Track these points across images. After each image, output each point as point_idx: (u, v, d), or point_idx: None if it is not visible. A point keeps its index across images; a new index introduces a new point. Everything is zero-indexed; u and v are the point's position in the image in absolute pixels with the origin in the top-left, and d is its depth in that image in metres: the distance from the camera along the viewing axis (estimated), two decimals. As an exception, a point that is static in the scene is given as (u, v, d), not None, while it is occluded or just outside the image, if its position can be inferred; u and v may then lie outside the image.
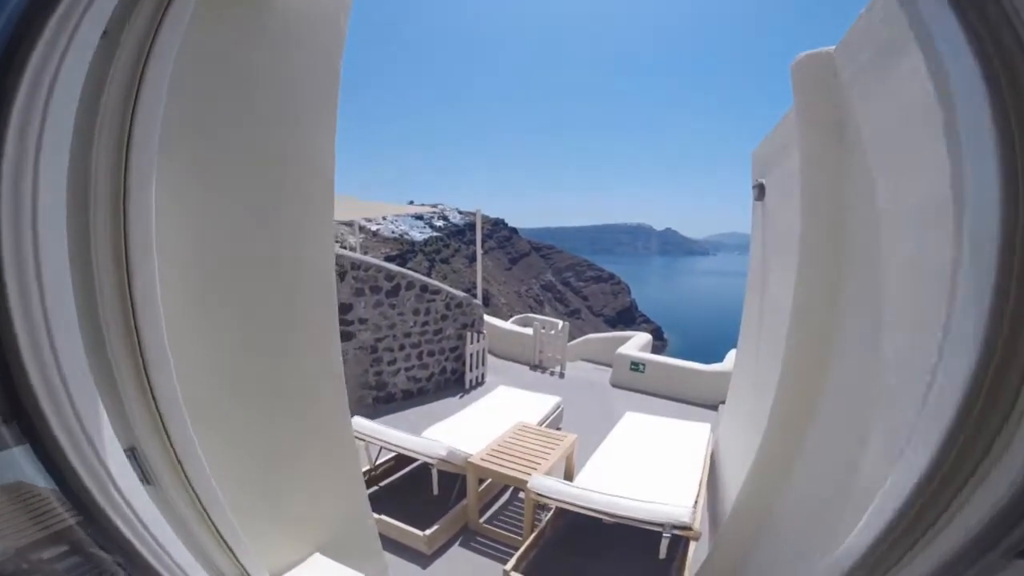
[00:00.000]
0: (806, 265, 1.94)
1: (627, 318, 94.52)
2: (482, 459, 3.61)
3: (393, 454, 4.10)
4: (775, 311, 2.90)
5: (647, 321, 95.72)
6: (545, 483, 2.96)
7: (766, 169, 3.47)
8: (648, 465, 4.04)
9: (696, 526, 2.63)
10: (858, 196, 1.68)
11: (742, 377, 3.93)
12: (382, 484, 4.19)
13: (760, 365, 3.23)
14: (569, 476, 4.12)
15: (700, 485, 3.70)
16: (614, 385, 7.47)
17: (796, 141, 2.10)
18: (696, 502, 3.41)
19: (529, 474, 3.43)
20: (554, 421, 5.55)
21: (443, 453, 3.40)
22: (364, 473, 4.06)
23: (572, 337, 8.23)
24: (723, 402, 6.69)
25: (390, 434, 3.68)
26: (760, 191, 3.52)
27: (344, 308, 5.58)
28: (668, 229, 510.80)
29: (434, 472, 3.41)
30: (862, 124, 1.63)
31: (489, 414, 5.21)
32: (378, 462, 4.16)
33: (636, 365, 7.30)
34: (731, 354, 7.27)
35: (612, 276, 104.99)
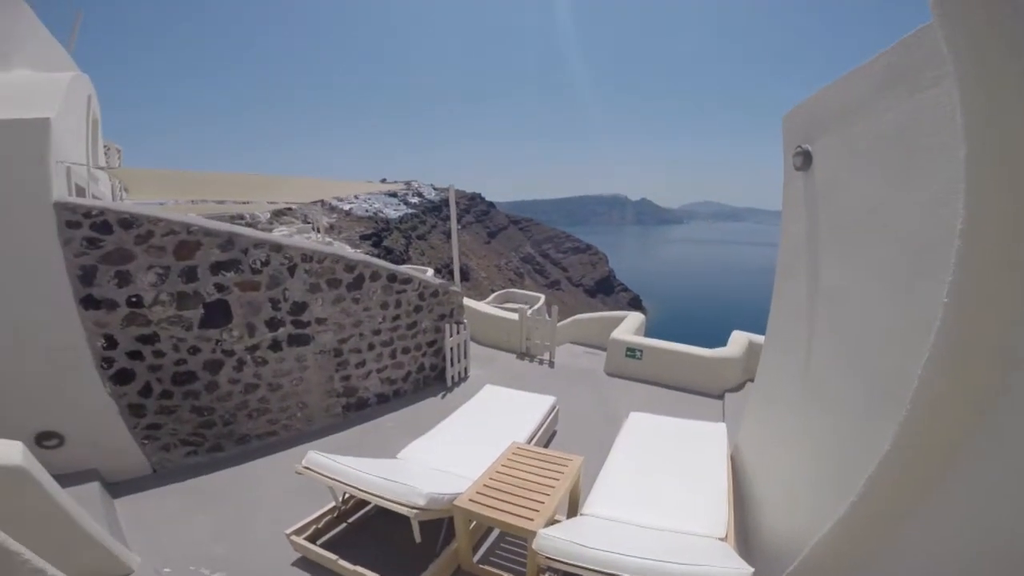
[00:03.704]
0: (969, 268, 1.24)
1: (606, 287, 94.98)
2: (471, 500, 2.92)
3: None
4: (849, 313, 2.23)
5: (625, 290, 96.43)
6: (558, 544, 2.29)
7: (814, 134, 2.79)
8: (665, 482, 3.44)
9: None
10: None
11: (778, 380, 3.31)
12: (352, 520, 3.51)
13: (817, 373, 2.58)
14: (574, 504, 3.48)
15: (728, 507, 3.14)
16: (609, 374, 6.86)
17: (949, 90, 1.36)
18: (727, 534, 2.85)
19: (532, 519, 2.76)
20: (550, 426, 4.91)
21: (421, 502, 2.69)
22: (332, 510, 3.40)
23: (553, 308, 7.55)
24: (729, 390, 6.18)
25: (352, 475, 2.95)
26: (805, 159, 2.83)
27: (298, 307, 4.75)
28: (643, 199, 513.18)
29: (414, 524, 2.73)
30: None
31: (476, 423, 4.54)
32: (347, 495, 3.46)
33: (632, 352, 6.69)
34: (735, 337, 6.72)
35: (590, 247, 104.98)
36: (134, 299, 3.82)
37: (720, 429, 4.23)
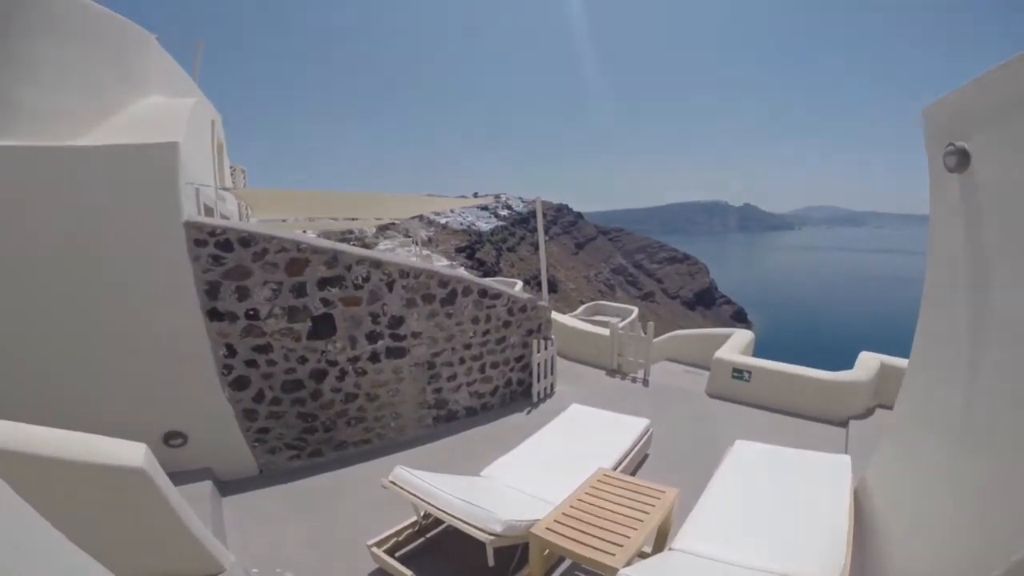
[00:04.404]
0: None
1: (706, 299, 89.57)
2: (548, 528, 2.78)
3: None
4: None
5: (728, 302, 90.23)
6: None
7: (969, 129, 2.33)
8: (771, 518, 3.08)
9: None
10: None
11: (928, 413, 2.80)
12: (430, 535, 3.48)
13: (985, 411, 2.11)
14: (663, 536, 3.19)
15: (847, 549, 2.70)
16: (711, 395, 6.33)
17: None
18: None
19: (614, 554, 2.57)
20: (641, 450, 4.60)
21: (499, 528, 2.64)
22: (412, 524, 3.42)
23: (649, 324, 7.11)
24: (855, 417, 5.43)
25: (434, 494, 2.97)
26: (960, 158, 2.36)
27: (395, 321, 4.93)
28: (747, 204, 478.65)
29: (489, 550, 2.65)
30: None
31: (561, 443, 4.39)
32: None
33: (740, 373, 6.12)
34: (864, 359, 5.93)
35: (688, 256, 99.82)
36: (251, 312, 4.19)
37: (843, 461, 3.72)
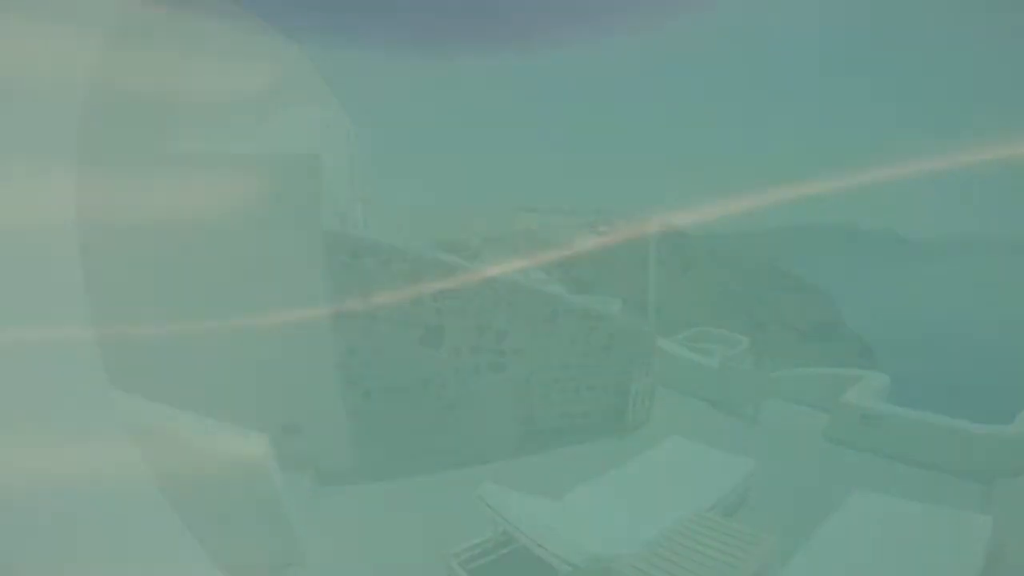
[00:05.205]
0: None
1: (827, 333, 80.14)
2: (633, 565, 2.73)
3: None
4: None
5: (853, 337, 79.85)
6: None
7: None
8: None
9: None
10: None
11: None
12: (505, 551, 3.42)
13: None
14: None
15: None
16: (830, 440, 5.72)
17: None
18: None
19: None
20: (742, 493, 4.27)
21: (579, 560, 2.65)
22: (491, 539, 3.43)
23: (765, 358, 6.57)
24: (1003, 475, 4.64)
25: (519, 515, 3.05)
26: None
27: (500, 337, 5.11)
28: (885, 226, 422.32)
29: None
30: None
31: (653, 476, 4.26)
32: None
33: (868, 419, 5.49)
34: None
35: (810, 282, 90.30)
36: (372, 316, 4.59)
37: (980, 522, 3.30)
